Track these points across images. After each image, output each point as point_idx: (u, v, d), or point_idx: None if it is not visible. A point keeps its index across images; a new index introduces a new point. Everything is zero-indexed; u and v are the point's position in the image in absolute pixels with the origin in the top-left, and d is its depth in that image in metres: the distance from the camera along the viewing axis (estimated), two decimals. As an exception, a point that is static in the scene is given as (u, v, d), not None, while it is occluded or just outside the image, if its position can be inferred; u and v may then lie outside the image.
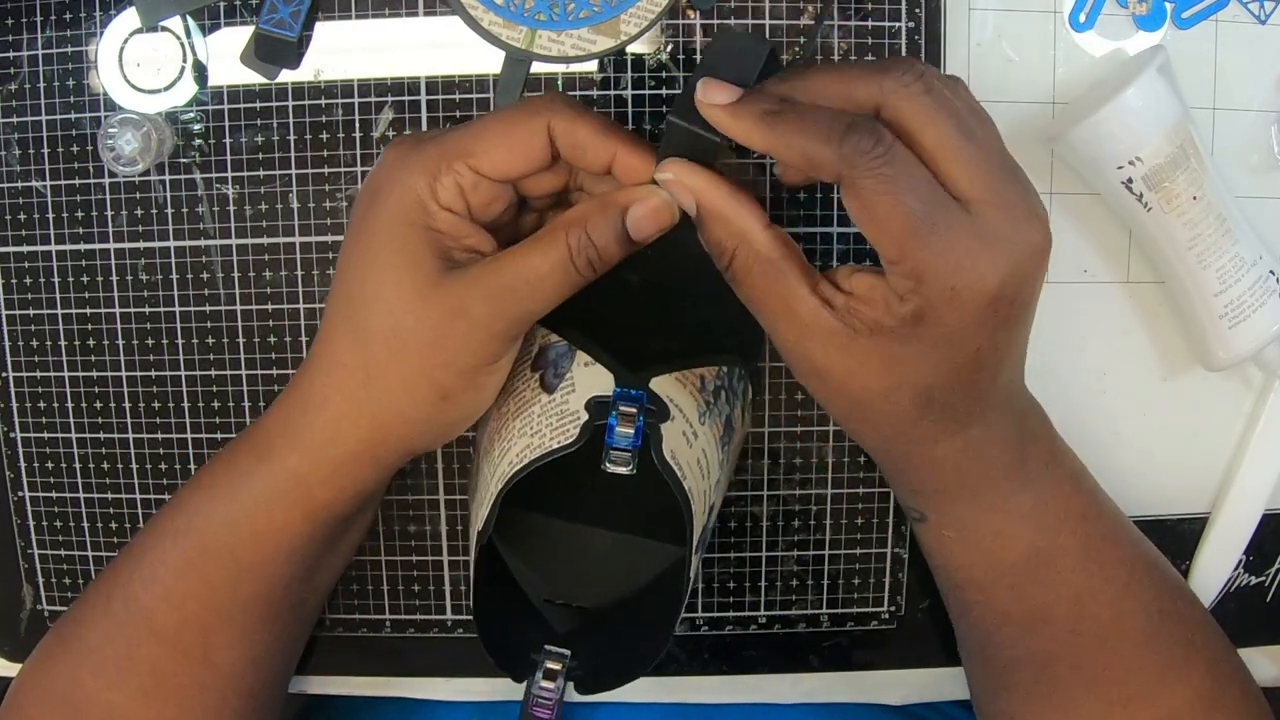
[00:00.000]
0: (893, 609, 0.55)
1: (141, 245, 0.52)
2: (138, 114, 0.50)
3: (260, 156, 0.52)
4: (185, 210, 0.52)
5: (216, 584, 0.45)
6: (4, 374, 0.53)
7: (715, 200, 0.39)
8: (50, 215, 0.52)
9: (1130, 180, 0.49)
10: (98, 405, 0.53)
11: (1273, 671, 0.56)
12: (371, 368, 0.41)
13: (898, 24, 0.51)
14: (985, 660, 0.50)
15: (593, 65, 0.51)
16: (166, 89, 0.51)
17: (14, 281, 0.53)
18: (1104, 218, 0.53)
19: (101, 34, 0.51)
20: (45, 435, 0.54)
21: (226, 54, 0.51)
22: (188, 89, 0.51)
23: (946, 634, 0.53)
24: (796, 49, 0.51)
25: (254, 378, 0.53)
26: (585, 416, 0.42)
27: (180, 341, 0.53)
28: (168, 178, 0.52)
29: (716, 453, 0.45)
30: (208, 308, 0.53)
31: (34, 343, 0.53)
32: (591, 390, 0.42)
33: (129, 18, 0.50)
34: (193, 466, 0.54)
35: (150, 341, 0.53)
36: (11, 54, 0.51)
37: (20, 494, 0.54)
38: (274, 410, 0.45)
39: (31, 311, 0.53)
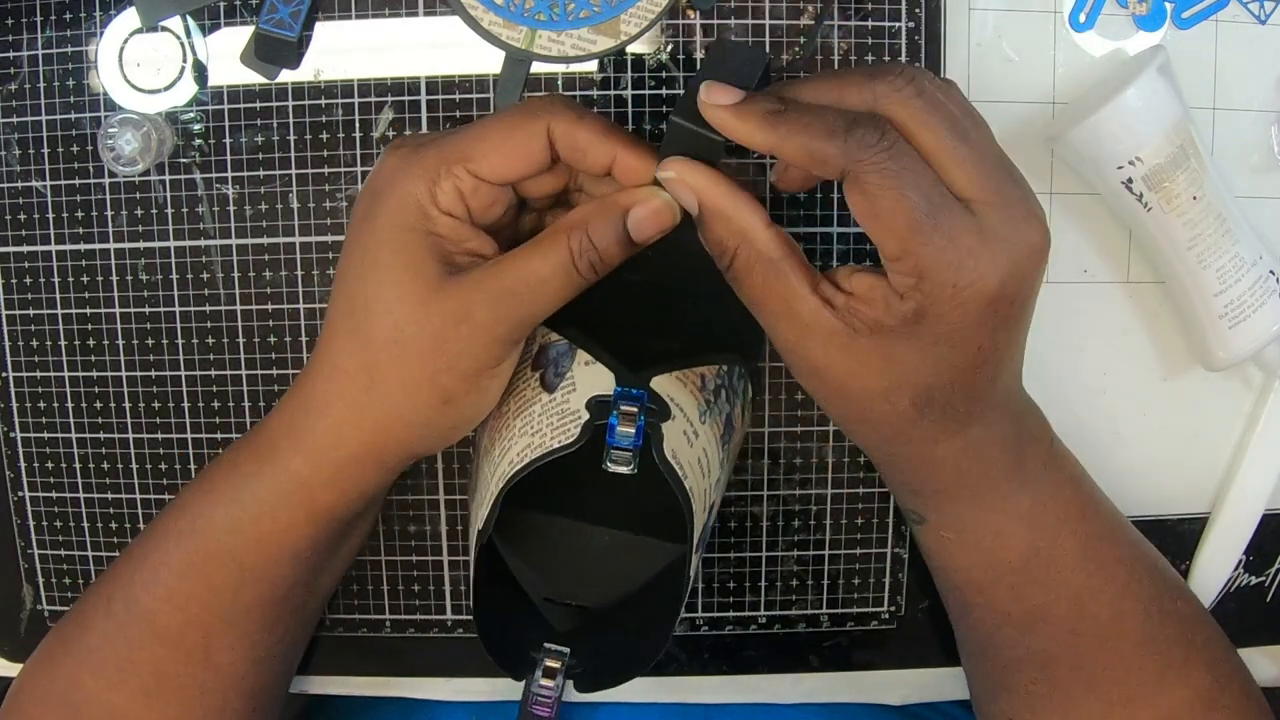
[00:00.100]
0: (893, 609, 0.55)
1: (141, 245, 0.52)
2: (138, 114, 0.50)
3: (260, 156, 0.52)
4: (185, 210, 0.52)
5: (219, 586, 0.45)
6: (4, 374, 0.53)
7: (717, 199, 0.39)
8: (50, 215, 0.52)
9: (1130, 180, 0.49)
10: (98, 405, 0.53)
11: (1273, 671, 0.56)
12: (374, 372, 0.41)
13: (898, 24, 0.51)
14: (985, 661, 0.50)
15: (593, 65, 0.51)
16: (166, 89, 0.51)
17: (14, 281, 0.53)
18: (1104, 218, 0.53)
19: (101, 34, 0.51)
20: (45, 435, 0.54)
21: (226, 54, 0.51)
22: (188, 89, 0.51)
23: (946, 634, 0.53)
24: (796, 49, 0.51)
25: (254, 378, 0.53)
26: (586, 416, 0.42)
27: (180, 341, 0.53)
28: (168, 178, 0.52)
29: (717, 451, 0.45)
30: (208, 308, 0.53)
31: (34, 343, 0.53)
32: (592, 389, 0.42)
33: (129, 18, 0.50)
34: (193, 466, 0.54)
35: (150, 341, 0.53)
36: (11, 54, 0.51)
37: (20, 494, 0.54)
38: (276, 413, 0.45)
39: (31, 311, 0.53)
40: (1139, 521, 0.51)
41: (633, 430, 0.41)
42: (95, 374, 0.53)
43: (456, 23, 0.46)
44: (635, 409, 0.41)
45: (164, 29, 0.51)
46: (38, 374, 0.53)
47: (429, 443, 0.44)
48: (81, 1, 0.51)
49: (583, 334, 0.44)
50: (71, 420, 0.54)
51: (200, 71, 0.51)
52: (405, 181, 0.40)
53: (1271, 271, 0.50)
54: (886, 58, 0.51)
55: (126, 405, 0.53)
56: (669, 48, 0.51)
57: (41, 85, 0.51)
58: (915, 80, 0.38)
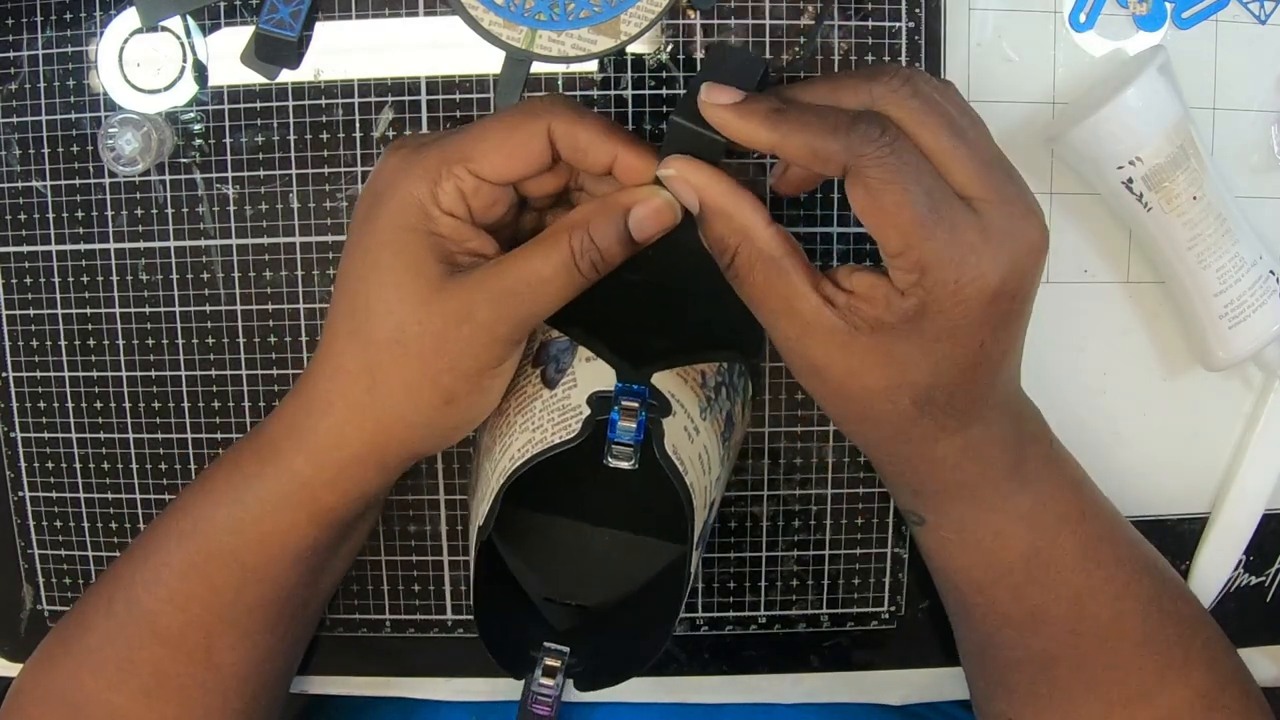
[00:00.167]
0: (893, 609, 0.55)
1: (141, 245, 0.52)
2: (138, 114, 0.50)
3: (260, 156, 0.52)
4: (185, 210, 0.52)
5: (220, 587, 0.45)
6: (4, 374, 0.53)
7: (718, 196, 0.39)
8: (50, 215, 0.52)
9: (1130, 180, 0.49)
10: (98, 405, 0.53)
11: (1273, 671, 0.56)
12: (376, 373, 0.41)
13: (898, 24, 0.51)
14: (985, 662, 0.50)
15: (593, 65, 0.51)
16: (166, 89, 0.51)
17: (14, 281, 0.53)
18: (1104, 218, 0.53)
19: (101, 34, 0.51)
20: (45, 435, 0.54)
21: (226, 54, 0.51)
22: (188, 89, 0.51)
23: (946, 634, 0.53)
24: (796, 49, 0.51)
25: (254, 378, 0.53)
26: (587, 411, 0.42)
27: (180, 341, 0.53)
28: (168, 178, 0.52)
29: (717, 448, 0.45)
30: (208, 308, 0.53)
31: (34, 343, 0.53)
32: (593, 385, 0.42)
33: (129, 18, 0.50)
34: (193, 466, 0.54)
35: (150, 341, 0.53)
36: (11, 54, 0.51)
37: (20, 494, 0.54)
38: (278, 414, 0.45)
39: (31, 311, 0.53)
40: (1139, 521, 0.51)
41: (634, 425, 0.41)
42: (95, 374, 0.53)
43: (456, 23, 0.46)
44: (636, 404, 0.41)
45: (164, 29, 0.51)
46: (38, 374, 0.53)
47: (430, 443, 0.44)
48: (81, 1, 0.51)
49: (584, 331, 0.45)
50: (71, 420, 0.54)
51: (200, 71, 0.51)
52: (406, 182, 0.40)
53: (1271, 271, 0.50)
54: (886, 58, 0.51)
55: (126, 405, 0.53)
56: (669, 48, 0.51)
57: (41, 85, 0.51)
58: (911, 81, 0.38)
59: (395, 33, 0.51)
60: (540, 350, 0.45)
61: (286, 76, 0.51)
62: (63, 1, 0.51)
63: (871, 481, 0.54)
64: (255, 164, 0.52)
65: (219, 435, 0.53)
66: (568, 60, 0.46)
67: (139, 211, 0.52)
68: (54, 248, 0.52)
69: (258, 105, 0.51)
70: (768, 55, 0.51)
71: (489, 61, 0.51)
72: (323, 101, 0.51)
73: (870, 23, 0.51)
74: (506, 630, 0.48)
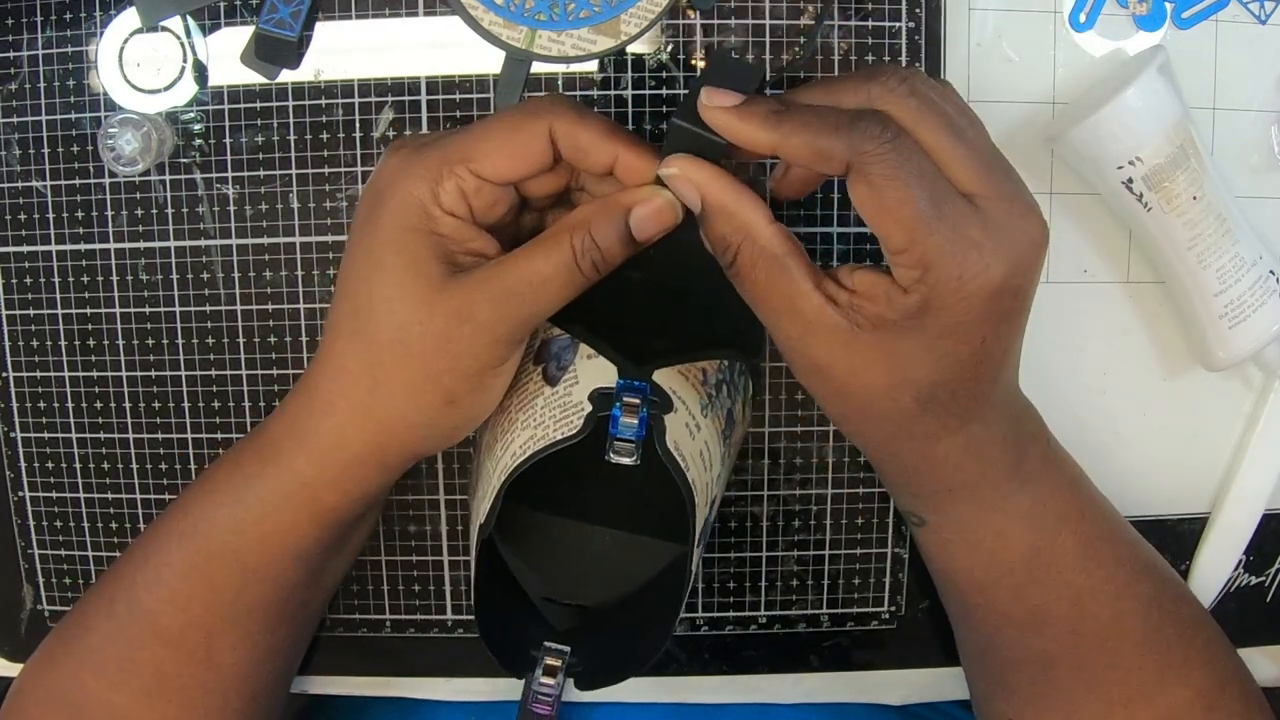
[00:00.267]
0: (893, 609, 0.55)
1: (141, 245, 0.52)
2: (138, 114, 0.50)
3: (260, 156, 0.52)
4: (185, 210, 0.52)
5: (221, 587, 0.45)
6: (4, 374, 0.53)
7: (720, 194, 0.39)
8: (50, 215, 0.52)
9: (1130, 180, 0.49)
10: (98, 405, 0.53)
11: (1273, 671, 0.56)
12: (377, 373, 0.41)
13: (898, 24, 0.51)
14: (986, 662, 0.50)
15: (593, 65, 0.51)
16: (166, 89, 0.51)
17: (14, 281, 0.53)
18: (1104, 218, 0.53)
19: (101, 34, 0.51)
20: (45, 435, 0.54)
21: (226, 54, 0.51)
22: (188, 89, 0.51)
23: (946, 634, 0.53)
24: (796, 49, 0.51)
25: (254, 378, 0.53)
26: (589, 408, 0.42)
27: (180, 341, 0.53)
28: (168, 178, 0.52)
29: (718, 446, 0.45)
30: (208, 308, 0.53)
31: (34, 343, 0.53)
32: (595, 382, 0.42)
33: (129, 18, 0.50)
34: (193, 466, 0.54)
35: (150, 341, 0.53)
36: (11, 54, 0.51)
37: (20, 494, 0.54)
38: (279, 414, 0.45)
39: (31, 311, 0.53)
40: (1139, 521, 0.51)
41: (636, 421, 0.41)
42: (95, 374, 0.53)
43: (456, 23, 0.46)
44: (638, 400, 0.41)
45: (164, 29, 0.51)
46: (38, 374, 0.53)
47: (432, 443, 0.44)
48: (81, 1, 0.51)
49: (585, 330, 0.45)
50: (71, 420, 0.54)
51: (200, 71, 0.51)
52: (407, 182, 0.40)
53: (1271, 271, 0.50)
54: (886, 58, 0.51)
55: (126, 405, 0.53)
56: (669, 48, 0.51)
57: (41, 85, 0.51)
58: (909, 81, 0.38)
59: (395, 33, 0.51)
60: (542, 348, 0.45)
61: (286, 76, 0.51)
62: (63, 1, 0.51)
63: (871, 481, 0.54)
64: (255, 164, 0.52)
65: (219, 435, 0.53)
66: (568, 60, 0.46)
67: (139, 211, 0.52)
68: (54, 248, 0.52)
69: (258, 105, 0.51)
70: (768, 56, 0.51)
71: (489, 61, 0.51)
72: (323, 101, 0.51)
73: (870, 23, 0.51)
74: (507, 630, 0.48)
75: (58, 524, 0.54)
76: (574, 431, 0.41)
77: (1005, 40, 0.52)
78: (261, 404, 0.53)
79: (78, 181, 0.52)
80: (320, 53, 0.51)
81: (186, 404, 0.53)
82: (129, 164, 0.50)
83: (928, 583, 0.52)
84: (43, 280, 0.53)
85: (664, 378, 0.43)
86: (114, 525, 0.54)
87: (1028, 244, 0.38)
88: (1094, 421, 0.54)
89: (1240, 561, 0.55)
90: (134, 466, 0.54)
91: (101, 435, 0.53)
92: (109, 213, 0.52)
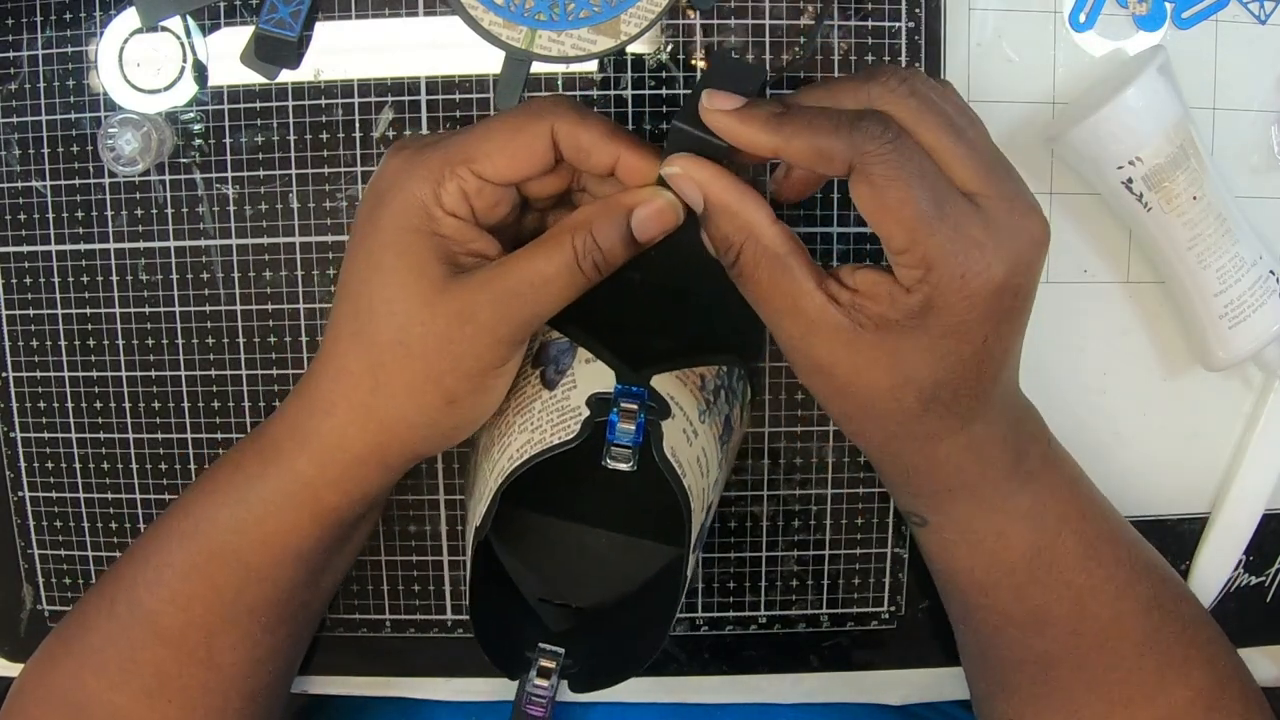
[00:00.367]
0: (893, 609, 0.55)
1: (141, 245, 0.52)
2: (138, 114, 0.50)
3: (260, 156, 0.52)
4: (185, 210, 0.52)
5: (222, 587, 0.45)
6: (4, 374, 0.53)
7: (723, 193, 0.39)
8: (50, 215, 0.52)
9: (1130, 180, 0.49)
10: (98, 405, 0.53)
11: (1273, 671, 0.56)
12: (379, 374, 0.41)
13: (898, 24, 0.51)
14: (987, 662, 0.50)
15: (593, 65, 0.51)
16: (166, 89, 0.51)
17: (14, 281, 0.53)
18: (1104, 218, 0.53)
19: (101, 34, 0.51)
20: (45, 435, 0.54)
21: (226, 54, 0.51)
22: (188, 89, 0.51)
23: (946, 634, 0.53)
24: (796, 49, 0.51)
25: (254, 378, 0.53)
26: (586, 413, 0.42)
27: (180, 341, 0.53)
28: (168, 178, 0.52)
29: (716, 451, 0.45)
30: (208, 308, 0.53)
31: (34, 343, 0.53)
32: (593, 387, 0.42)
33: (129, 18, 0.50)
34: (193, 466, 0.54)
35: (150, 341, 0.53)
36: (11, 54, 0.51)
37: (20, 494, 0.54)
38: (280, 415, 0.45)
39: (31, 311, 0.53)
40: (1139, 521, 0.51)
41: (633, 427, 0.41)
42: (95, 374, 0.53)
43: (456, 23, 0.46)
44: (636, 406, 0.41)
45: (164, 29, 0.51)
46: (38, 374, 0.53)
47: (432, 443, 0.44)
48: (81, 1, 0.51)
49: (584, 332, 0.45)
50: (71, 420, 0.54)
51: (200, 71, 0.51)
52: (409, 183, 0.40)
53: (1271, 271, 0.50)
54: (886, 58, 0.51)
55: (126, 405, 0.53)
56: (669, 48, 0.51)
57: (41, 85, 0.51)
58: (909, 81, 0.38)
59: (395, 33, 0.51)
60: (540, 351, 0.45)
61: (286, 76, 0.51)
62: (63, 1, 0.51)
63: (871, 481, 0.54)
64: (255, 164, 0.52)
65: (219, 435, 0.53)
66: (568, 60, 0.46)
67: (139, 211, 0.52)
68: (54, 248, 0.52)
69: (258, 105, 0.51)
70: (768, 56, 0.51)
71: (489, 61, 0.51)
72: (323, 101, 0.51)
73: (870, 23, 0.51)
74: (503, 630, 0.48)
75: (58, 524, 0.54)
76: (571, 436, 0.41)
77: (1005, 40, 0.52)
78: (261, 404, 0.53)
79: (78, 181, 0.52)
80: (320, 53, 0.51)
81: (186, 404, 0.53)
82: (129, 164, 0.50)
83: (928, 583, 0.52)
84: (43, 280, 0.53)
85: (662, 383, 0.43)
86: (114, 525, 0.54)
87: (1029, 243, 0.39)
88: (1094, 421, 0.54)
89: (1240, 561, 0.55)
90: (134, 466, 0.54)
91: (101, 435, 0.53)
92: (109, 213, 0.52)
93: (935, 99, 0.38)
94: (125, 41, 0.51)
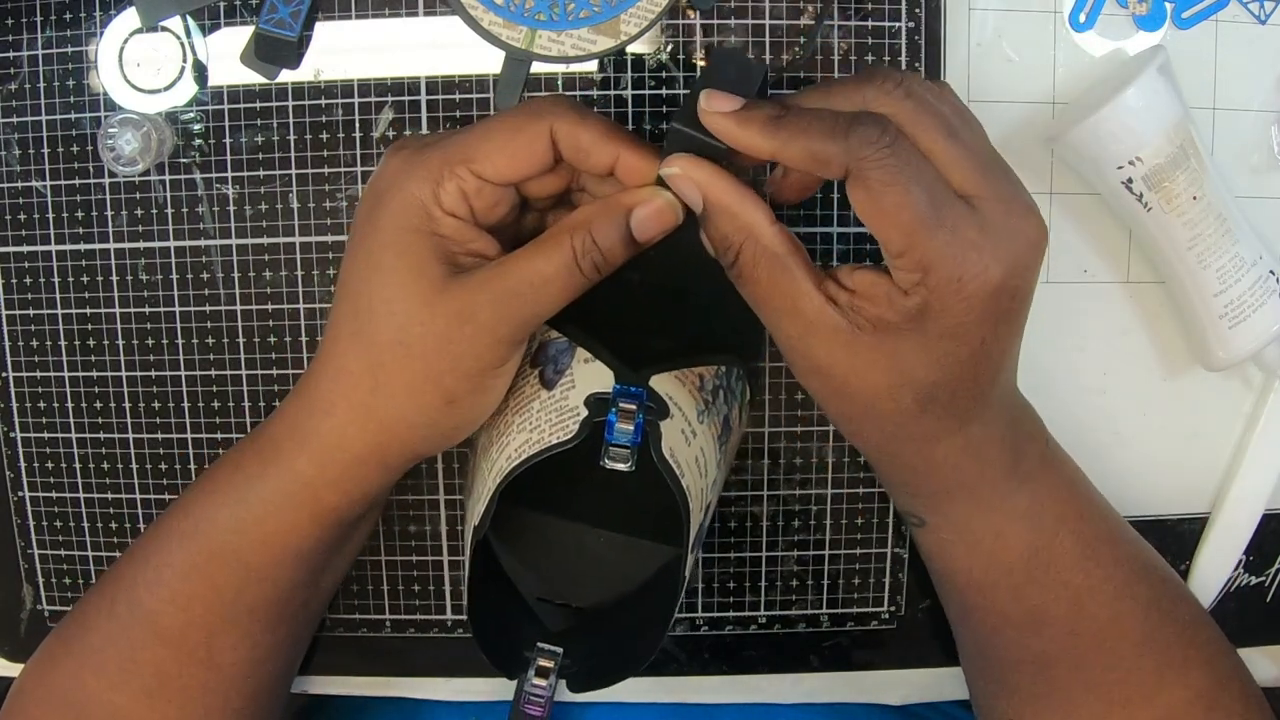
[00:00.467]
0: (893, 609, 0.55)
1: (141, 245, 0.52)
2: (138, 114, 0.50)
3: (260, 156, 0.52)
4: (185, 210, 0.52)
5: (222, 587, 0.45)
6: (4, 374, 0.53)
7: (722, 194, 0.39)
8: (50, 215, 0.52)
9: (1130, 180, 0.49)
10: (98, 405, 0.53)
11: (1273, 671, 0.56)
12: (378, 374, 0.41)
13: (898, 24, 0.51)
14: (985, 663, 0.50)
15: (593, 65, 0.51)
16: (166, 89, 0.51)
17: (14, 281, 0.53)
18: (1104, 218, 0.53)
19: (101, 34, 0.51)
20: (45, 435, 0.54)
21: (226, 54, 0.51)
22: (188, 89, 0.51)
23: (946, 634, 0.53)
24: (796, 49, 0.51)
25: (254, 378, 0.53)
26: (585, 413, 0.42)
27: (180, 341, 0.53)
28: (168, 178, 0.52)
29: (714, 452, 0.45)
30: (208, 308, 0.53)
31: (34, 343, 0.53)
32: (591, 387, 0.42)
33: (129, 18, 0.50)
34: (193, 466, 0.54)
35: (150, 341, 0.53)
36: (11, 54, 0.51)
37: (20, 494, 0.54)
38: (279, 415, 0.45)
39: (31, 311, 0.53)
40: (1139, 521, 0.51)
41: (631, 427, 0.41)
42: (95, 374, 0.53)
43: (456, 23, 0.46)
44: (634, 406, 0.41)
45: (164, 29, 0.51)
46: (38, 374, 0.53)
47: (432, 443, 0.44)
48: (81, 1, 0.51)
49: (583, 332, 0.45)
50: (71, 420, 0.54)
51: (200, 71, 0.51)
52: (408, 183, 0.40)
53: (1271, 271, 0.50)
54: (886, 58, 0.51)
55: (126, 405, 0.53)
56: (669, 48, 0.51)
57: (41, 85, 0.51)
58: (904, 83, 0.38)
59: (395, 33, 0.51)
60: (539, 351, 0.45)
61: (286, 76, 0.51)
62: (63, 1, 0.51)
63: (871, 481, 0.54)
64: (255, 164, 0.52)
65: (219, 435, 0.53)
66: (568, 60, 0.46)
67: (139, 211, 0.52)
68: (54, 248, 0.52)
69: (258, 105, 0.51)
70: (768, 56, 0.51)
71: (489, 61, 0.51)
72: (323, 101, 0.51)
73: (870, 23, 0.51)
74: (501, 630, 0.48)
75: (58, 524, 0.54)
76: (569, 436, 0.41)
77: (1005, 40, 0.52)
78: (261, 404, 0.53)
79: (78, 181, 0.52)
80: (320, 53, 0.51)
81: (186, 404, 0.53)
82: (129, 164, 0.50)
83: (928, 583, 0.52)
84: (43, 280, 0.53)
85: (660, 383, 0.43)
86: (114, 525, 0.54)
87: (1026, 245, 0.39)
88: (1094, 421, 0.54)
89: (1240, 561, 0.55)
90: (134, 466, 0.54)
91: (101, 435, 0.53)
92: (109, 213, 0.52)
93: (932, 101, 0.38)
94: (125, 41, 0.51)
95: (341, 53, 0.51)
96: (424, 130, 0.51)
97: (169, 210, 0.52)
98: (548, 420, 0.42)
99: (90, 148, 0.51)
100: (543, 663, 0.48)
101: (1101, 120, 0.47)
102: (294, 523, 0.44)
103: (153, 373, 0.53)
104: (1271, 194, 0.53)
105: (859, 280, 0.39)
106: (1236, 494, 0.54)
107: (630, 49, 0.49)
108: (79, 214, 0.52)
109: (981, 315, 0.38)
